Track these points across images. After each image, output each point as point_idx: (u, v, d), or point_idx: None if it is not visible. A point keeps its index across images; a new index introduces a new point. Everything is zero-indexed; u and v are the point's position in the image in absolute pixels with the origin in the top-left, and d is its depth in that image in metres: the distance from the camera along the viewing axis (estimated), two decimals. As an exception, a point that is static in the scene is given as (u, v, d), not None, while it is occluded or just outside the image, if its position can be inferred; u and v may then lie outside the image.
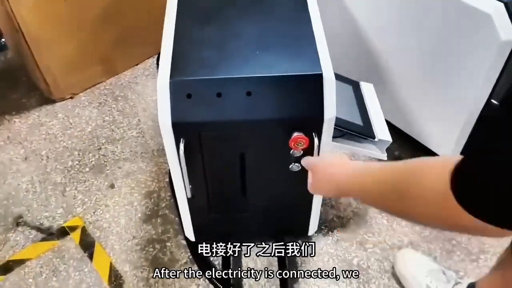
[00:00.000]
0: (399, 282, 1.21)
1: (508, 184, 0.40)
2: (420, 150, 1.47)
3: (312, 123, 0.92)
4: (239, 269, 1.24)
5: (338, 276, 1.21)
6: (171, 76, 0.89)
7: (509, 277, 0.92)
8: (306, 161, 0.90)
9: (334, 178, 0.78)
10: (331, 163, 0.81)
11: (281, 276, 1.18)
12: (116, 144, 1.57)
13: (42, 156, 1.53)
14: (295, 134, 0.92)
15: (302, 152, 0.96)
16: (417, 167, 0.56)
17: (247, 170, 1.02)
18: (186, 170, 0.95)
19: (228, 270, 1.20)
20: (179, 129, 0.90)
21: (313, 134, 0.92)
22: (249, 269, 1.24)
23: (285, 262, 1.20)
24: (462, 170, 0.45)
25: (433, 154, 1.44)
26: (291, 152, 0.96)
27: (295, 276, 1.22)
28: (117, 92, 1.75)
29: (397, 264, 1.21)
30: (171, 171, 1.00)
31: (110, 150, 1.55)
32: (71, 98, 1.73)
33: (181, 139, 0.91)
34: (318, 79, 0.88)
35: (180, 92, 0.89)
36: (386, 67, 1.41)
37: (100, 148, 1.55)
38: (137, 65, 1.84)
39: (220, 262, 1.23)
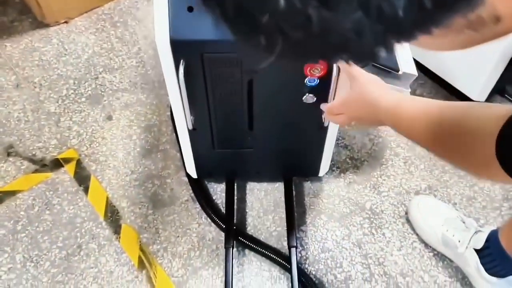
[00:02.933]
0: (412, 228, 1.13)
1: None
2: (446, 89, 1.35)
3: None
4: (243, 208, 1.16)
5: (348, 219, 1.14)
6: (170, -15, 0.76)
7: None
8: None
9: (378, 100, 0.70)
10: (376, 80, 0.72)
11: (288, 216, 1.10)
12: (114, 73, 1.45)
13: (35, 83, 1.42)
14: (312, 58, 0.79)
15: (318, 81, 0.84)
16: (474, 117, 0.54)
17: (255, 100, 0.91)
18: (186, 97, 0.84)
19: (232, 209, 1.12)
20: (179, 48, 0.79)
21: (333, 59, 0.80)
22: (253, 209, 1.16)
23: (292, 202, 1.12)
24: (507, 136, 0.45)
25: (459, 93, 1.31)
26: (305, 80, 0.84)
27: (303, 217, 1.14)
28: (116, 17, 1.61)
29: (411, 211, 1.13)
30: (170, 98, 0.89)
31: (108, 79, 1.43)
32: (66, 22, 1.59)
33: (181, 60, 0.80)
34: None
35: (180, 4, 0.76)
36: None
37: (97, 77, 1.44)
38: (138, -12, 1.69)
39: (223, 201, 1.16)
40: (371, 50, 0.26)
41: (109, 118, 1.34)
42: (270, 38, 0.26)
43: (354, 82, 0.76)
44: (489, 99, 1.30)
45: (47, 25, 1.57)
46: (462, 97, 1.31)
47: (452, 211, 1.10)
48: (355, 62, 0.29)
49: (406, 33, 0.26)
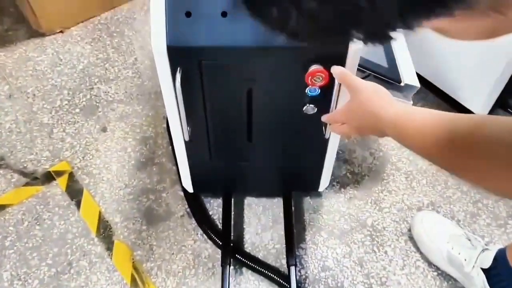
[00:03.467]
0: (417, 246, 1.09)
1: None
2: (447, 102, 1.32)
3: (334, 55, 0.76)
4: (241, 224, 1.12)
5: (349, 237, 1.10)
6: (167, -10, 0.73)
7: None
8: (344, 75, 0.74)
9: (381, 110, 0.66)
10: (379, 90, 0.69)
11: (287, 233, 1.06)
12: (109, 84, 1.42)
13: (28, 94, 1.39)
14: (313, 67, 0.77)
15: (319, 90, 0.81)
16: (495, 124, 0.52)
17: (254, 110, 0.87)
18: (183, 107, 0.81)
19: (229, 225, 1.08)
20: (176, 55, 0.76)
21: (335, 68, 0.77)
22: (251, 225, 1.12)
23: (291, 218, 1.08)
24: None
25: (460, 107, 1.29)
26: (306, 90, 0.81)
27: (303, 234, 1.10)
28: (112, 27, 1.59)
29: (414, 227, 1.09)
30: (166, 107, 0.86)
31: (103, 90, 1.40)
32: (62, 32, 1.56)
33: (178, 68, 0.77)
34: None
35: (178, 9, 0.73)
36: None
37: (92, 88, 1.41)
38: (135, -1, 1.67)
39: (220, 217, 1.11)
40: (384, 27, 0.25)
41: (104, 129, 1.31)
42: (283, 10, 0.24)
43: (354, 93, 0.72)
44: (491, 113, 1.27)
45: (42, 35, 1.54)
46: (464, 110, 1.28)
47: (457, 227, 1.07)
48: (369, 41, 0.26)
49: (424, 9, 0.23)
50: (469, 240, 1.01)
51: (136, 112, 1.35)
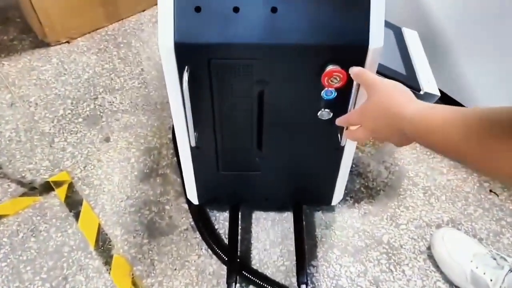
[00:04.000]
0: (437, 265, 1.02)
1: None
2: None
3: (352, 54, 0.71)
4: (248, 239, 1.06)
5: (364, 254, 1.03)
6: (176, -17, 0.69)
7: None
8: (363, 72, 0.69)
9: (401, 107, 0.60)
10: (398, 86, 0.64)
11: (297, 249, 0.99)
12: (115, 94, 1.38)
13: (30, 102, 1.35)
14: (330, 67, 0.72)
15: (335, 93, 0.76)
16: None
17: (265, 115, 0.82)
18: (190, 110, 0.76)
19: (235, 240, 1.01)
20: (184, 53, 0.71)
21: (353, 69, 0.72)
22: (259, 240, 1.05)
23: (302, 234, 1.02)
24: None
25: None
26: (322, 93, 0.76)
27: (314, 251, 1.03)
28: (119, 38, 1.56)
29: (435, 245, 1.02)
30: (172, 111, 0.81)
31: (108, 100, 1.36)
32: (68, 42, 1.54)
33: (186, 66, 0.72)
34: (365, -6, 0.68)
35: (188, 3, 0.69)
36: (434, 14, 1.19)
37: (97, 98, 1.37)
38: (143, 11, 1.64)
39: (226, 231, 1.05)
40: None
41: (107, 139, 1.26)
42: None
43: (372, 90, 0.66)
44: None
45: (48, 45, 1.52)
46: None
47: (481, 246, 0.99)
48: None
49: None
50: (495, 259, 0.94)
51: (141, 122, 1.30)
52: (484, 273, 0.92)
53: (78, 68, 1.45)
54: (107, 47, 1.53)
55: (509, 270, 0.90)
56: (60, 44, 1.53)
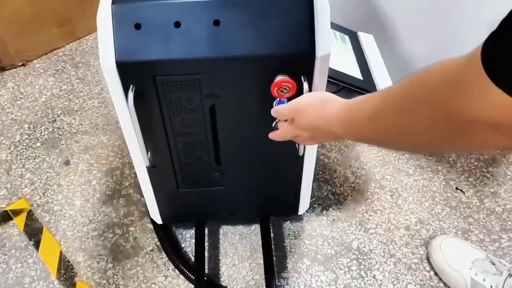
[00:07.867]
0: (406, 267, 1.01)
1: None
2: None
3: (300, 62, 0.70)
4: (216, 255, 1.03)
5: (334, 262, 1.02)
6: (114, 1, 0.67)
7: None
8: (280, 109, 0.71)
9: (329, 112, 0.61)
10: (318, 97, 0.66)
11: (266, 262, 0.97)
12: (73, 115, 1.34)
13: (-15, 130, 1.30)
14: (279, 77, 0.70)
15: (287, 103, 0.75)
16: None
17: (219, 129, 0.80)
18: (139, 128, 0.74)
19: (202, 257, 0.99)
20: (127, 71, 0.69)
21: (302, 77, 0.71)
22: (227, 256, 1.03)
23: (270, 246, 1.00)
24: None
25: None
26: (274, 104, 0.75)
27: (284, 262, 1.01)
28: (77, 58, 1.52)
29: (433, 255, 1.00)
30: (123, 130, 0.79)
31: (67, 122, 1.32)
32: (23, 65, 1.49)
33: (131, 85, 0.70)
34: (307, 1, 0.67)
35: (126, 21, 0.67)
36: (389, 16, 1.20)
37: (55, 120, 1.33)
38: (101, 29, 1.61)
39: (193, 249, 1.02)
40: None
41: (67, 163, 1.22)
42: None
43: (295, 113, 0.68)
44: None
45: (2, 69, 1.47)
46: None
47: (479, 250, 0.98)
48: None
49: None
50: (494, 264, 0.93)
51: (101, 142, 1.27)
52: (484, 280, 0.91)
53: (34, 91, 1.41)
54: (64, 67, 1.49)
55: (508, 275, 0.90)
56: (15, 67, 1.48)
